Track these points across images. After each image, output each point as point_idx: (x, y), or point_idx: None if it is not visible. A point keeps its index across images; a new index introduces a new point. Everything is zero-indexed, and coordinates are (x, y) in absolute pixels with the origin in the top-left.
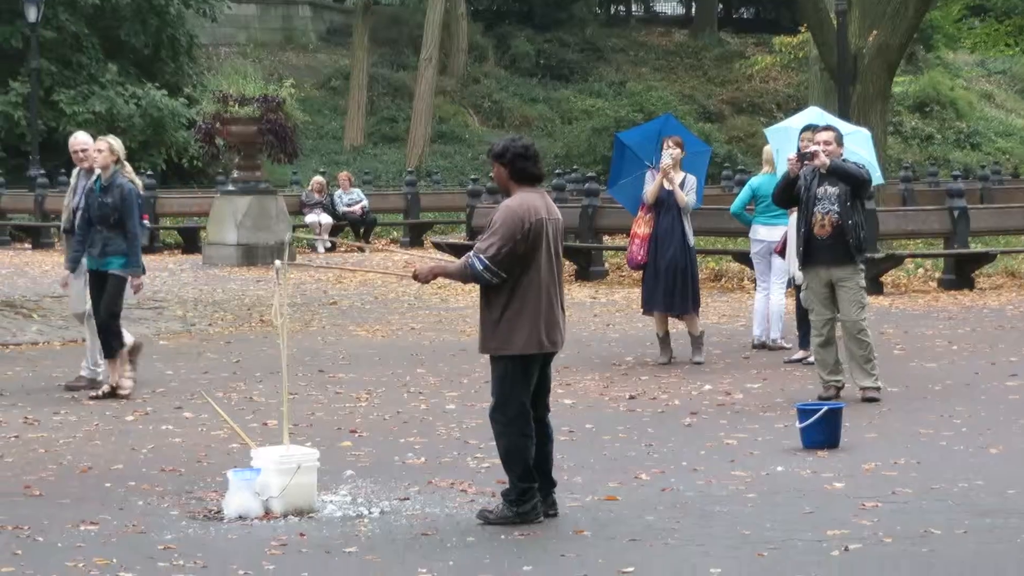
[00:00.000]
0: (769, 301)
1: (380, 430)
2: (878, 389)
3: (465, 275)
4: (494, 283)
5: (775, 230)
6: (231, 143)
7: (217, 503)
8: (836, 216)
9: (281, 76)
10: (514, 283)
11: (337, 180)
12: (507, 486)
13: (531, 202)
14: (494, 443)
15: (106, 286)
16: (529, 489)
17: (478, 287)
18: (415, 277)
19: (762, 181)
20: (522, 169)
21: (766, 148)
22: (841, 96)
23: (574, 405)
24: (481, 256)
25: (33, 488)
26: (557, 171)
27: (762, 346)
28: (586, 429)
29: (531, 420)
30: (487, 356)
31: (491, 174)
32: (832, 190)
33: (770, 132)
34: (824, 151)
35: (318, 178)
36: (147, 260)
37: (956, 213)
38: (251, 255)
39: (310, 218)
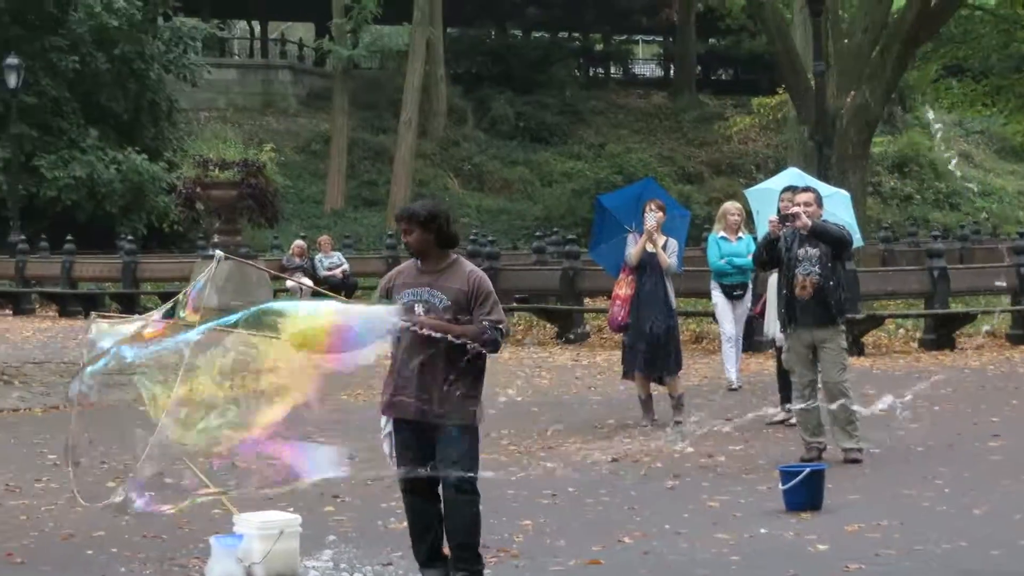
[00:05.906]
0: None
1: (362, 495)
2: (860, 451)
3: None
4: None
5: None
6: (211, 208)
7: (200, 570)
8: (817, 277)
9: (261, 140)
10: None
11: (318, 244)
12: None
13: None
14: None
15: None
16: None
17: None
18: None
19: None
20: None
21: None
22: (820, 157)
23: (556, 468)
24: None
25: (15, 556)
26: (537, 233)
27: None
28: (568, 492)
29: (407, 491)
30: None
31: (472, 236)
32: (813, 251)
33: (750, 193)
34: (805, 212)
35: (299, 242)
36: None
37: (936, 273)
38: None
39: (291, 283)
